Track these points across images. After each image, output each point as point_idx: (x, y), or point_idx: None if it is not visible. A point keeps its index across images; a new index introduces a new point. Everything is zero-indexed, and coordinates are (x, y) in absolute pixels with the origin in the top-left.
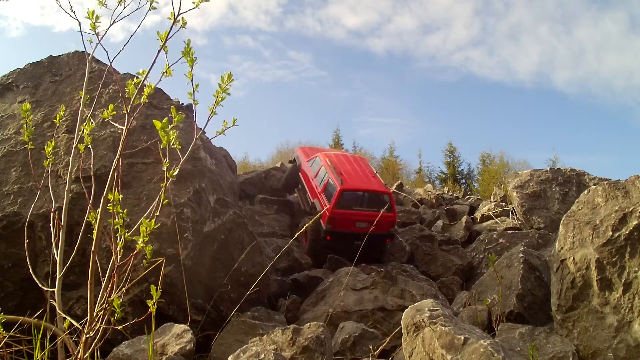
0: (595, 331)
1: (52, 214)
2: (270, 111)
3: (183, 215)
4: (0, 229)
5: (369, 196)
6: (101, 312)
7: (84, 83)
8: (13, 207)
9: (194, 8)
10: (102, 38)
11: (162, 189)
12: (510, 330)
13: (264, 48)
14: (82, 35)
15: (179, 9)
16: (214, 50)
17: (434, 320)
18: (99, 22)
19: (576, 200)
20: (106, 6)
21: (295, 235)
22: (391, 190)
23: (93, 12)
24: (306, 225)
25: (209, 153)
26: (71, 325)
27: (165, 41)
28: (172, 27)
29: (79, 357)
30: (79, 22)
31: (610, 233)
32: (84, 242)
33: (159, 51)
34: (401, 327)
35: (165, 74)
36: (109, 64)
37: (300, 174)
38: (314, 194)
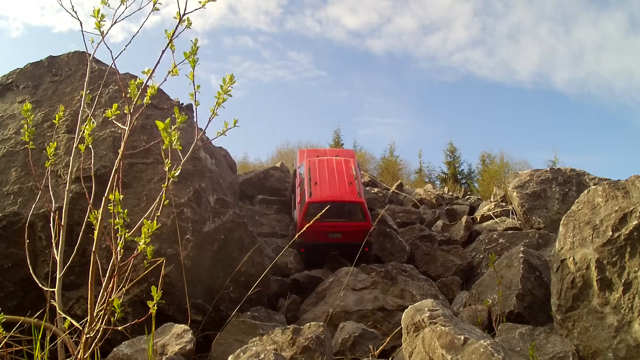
0: (595, 331)
1: (52, 214)
2: (270, 111)
3: (183, 215)
4: (0, 229)
5: (340, 207)
6: (101, 312)
7: (85, 83)
8: (13, 207)
9: (200, 8)
10: (104, 37)
11: (163, 190)
12: (510, 330)
13: (264, 48)
14: (83, 35)
15: (185, 9)
16: (214, 51)
17: (434, 320)
18: (104, 21)
19: (576, 200)
20: (109, 5)
21: (290, 242)
22: (364, 200)
23: (98, 11)
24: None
25: (209, 153)
26: (71, 325)
27: (171, 40)
28: (177, 26)
29: (79, 357)
30: (80, 22)
31: (610, 233)
32: (84, 242)
33: (164, 50)
34: (401, 327)
35: (171, 73)
36: (111, 64)
37: (295, 179)
38: (295, 202)
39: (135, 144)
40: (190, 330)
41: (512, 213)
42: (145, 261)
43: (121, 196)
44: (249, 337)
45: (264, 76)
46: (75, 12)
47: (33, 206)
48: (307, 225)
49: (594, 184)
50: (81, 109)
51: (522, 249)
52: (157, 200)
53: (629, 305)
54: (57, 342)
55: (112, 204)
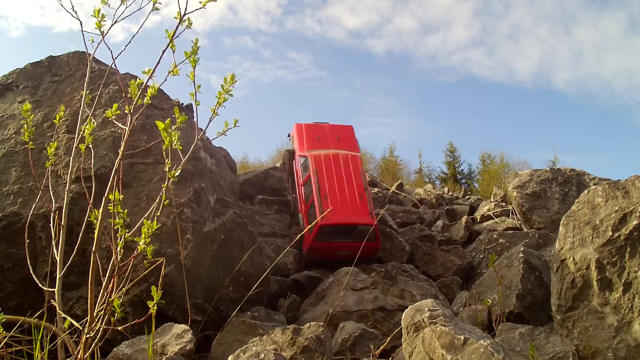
0: (595, 331)
1: (52, 214)
2: (270, 111)
3: (183, 215)
4: (0, 229)
5: (352, 228)
6: (101, 312)
7: (85, 83)
8: (13, 207)
9: (200, 8)
10: (104, 37)
11: (163, 190)
12: (510, 330)
13: (264, 48)
14: (83, 35)
15: (185, 9)
16: (214, 51)
17: (434, 320)
18: (104, 21)
19: (576, 200)
20: (109, 5)
21: (292, 242)
22: (375, 220)
23: (99, 11)
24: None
25: (209, 153)
26: (71, 325)
27: (172, 40)
28: (177, 26)
29: (79, 357)
30: (80, 22)
31: (610, 233)
32: (84, 242)
33: (164, 50)
34: (401, 327)
35: (171, 73)
36: (111, 64)
37: (293, 164)
38: (300, 206)
39: (135, 144)
40: (190, 330)
41: (512, 213)
42: (145, 261)
43: (121, 196)
44: (249, 337)
45: (264, 76)
46: (75, 12)
47: (33, 206)
48: (301, 230)
49: (594, 184)
50: (81, 109)
51: (522, 249)
52: (157, 200)
53: (629, 305)
54: (57, 342)
55: (112, 204)
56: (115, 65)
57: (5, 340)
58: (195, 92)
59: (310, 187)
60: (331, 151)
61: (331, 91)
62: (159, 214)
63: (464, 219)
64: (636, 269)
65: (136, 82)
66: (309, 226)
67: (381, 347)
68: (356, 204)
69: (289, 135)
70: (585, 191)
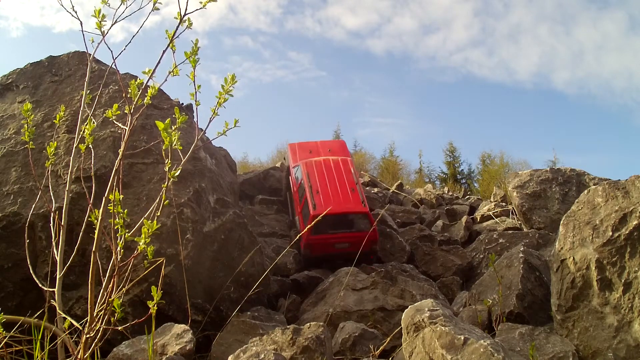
0: (595, 331)
1: (52, 214)
2: (270, 111)
3: (183, 215)
4: (0, 229)
5: (346, 217)
6: (101, 312)
7: (85, 83)
8: (13, 207)
9: (201, 8)
10: (104, 37)
11: (163, 190)
12: (510, 330)
13: (264, 48)
14: (83, 35)
15: (185, 10)
16: (214, 51)
17: (434, 320)
18: (104, 21)
19: (576, 200)
20: (109, 5)
21: (292, 242)
22: (368, 208)
23: (99, 11)
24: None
25: (209, 153)
26: (71, 325)
27: (172, 40)
28: (178, 27)
29: (79, 357)
30: (81, 22)
31: (610, 233)
32: (84, 242)
33: (164, 50)
34: (401, 327)
35: (171, 73)
36: (111, 64)
37: (289, 177)
38: (296, 209)
39: (135, 144)
40: (190, 330)
41: (512, 213)
42: (145, 261)
43: (121, 196)
44: (249, 337)
45: (264, 76)
46: (76, 12)
47: (33, 206)
48: (298, 232)
49: (594, 184)
50: (81, 109)
51: (522, 249)
52: (157, 200)
53: (629, 305)
54: (57, 342)
55: (112, 204)
56: (115, 65)
57: (5, 340)
58: (195, 92)
59: (303, 189)
60: (322, 158)
61: (331, 91)
62: (159, 214)
63: (464, 219)
64: (636, 269)
65: (136, 82)
66: (308, 226)
67: (381, 347)
68: (347, 195)
69: (284, 159)
70: (585, 191)
